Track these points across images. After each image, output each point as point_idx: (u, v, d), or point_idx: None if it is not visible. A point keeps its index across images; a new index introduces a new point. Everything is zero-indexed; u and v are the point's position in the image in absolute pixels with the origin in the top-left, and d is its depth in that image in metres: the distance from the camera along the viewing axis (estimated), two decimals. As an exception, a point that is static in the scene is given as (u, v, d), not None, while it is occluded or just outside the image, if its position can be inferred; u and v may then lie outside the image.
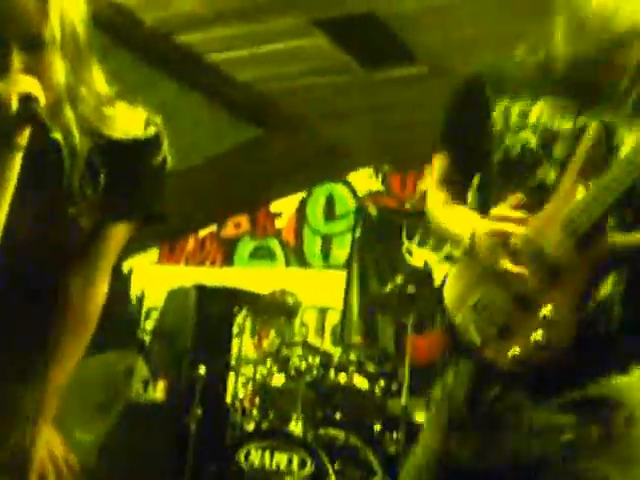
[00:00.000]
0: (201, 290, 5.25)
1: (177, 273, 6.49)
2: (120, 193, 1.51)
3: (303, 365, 3.96)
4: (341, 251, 6.04)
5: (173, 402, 4.63)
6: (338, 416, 3.96)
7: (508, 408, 1.43)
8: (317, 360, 3.98)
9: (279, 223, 6.36)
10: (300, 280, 5.94)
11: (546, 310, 1.35)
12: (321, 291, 5.90)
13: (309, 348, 4.09)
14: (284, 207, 6.35)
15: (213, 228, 6.59)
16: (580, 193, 1.37)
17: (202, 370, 4.43)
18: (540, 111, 1.48)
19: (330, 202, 6.17)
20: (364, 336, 5.23)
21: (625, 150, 1.38)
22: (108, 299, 1.59)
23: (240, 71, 4.50)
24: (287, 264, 6.27)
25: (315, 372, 3.93)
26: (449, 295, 1.54)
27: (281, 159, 5.54)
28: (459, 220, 1.55)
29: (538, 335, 1.34)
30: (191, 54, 4.24)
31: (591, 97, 1.44)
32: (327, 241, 6.14)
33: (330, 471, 3.52)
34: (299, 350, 4.09)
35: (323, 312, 5.89)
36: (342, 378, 3.96)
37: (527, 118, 1.49)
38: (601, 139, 1.39)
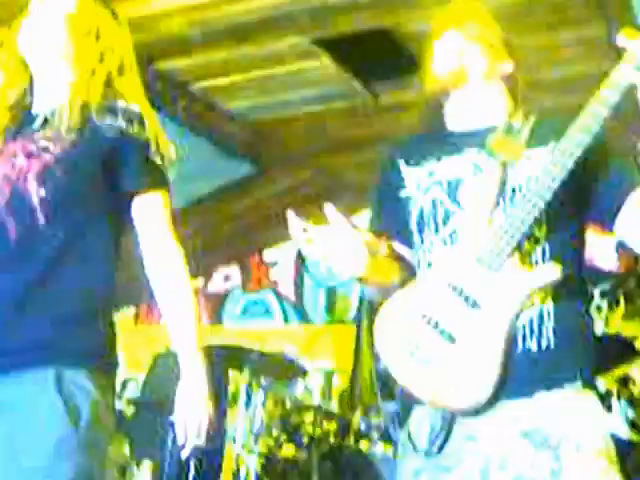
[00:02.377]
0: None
1: (157, 334, 6.43)
2: None
3: (317, 432, 3.92)
4: (347, 304, 6.03)
5: (165, 482, 4.55)
6: (360, 491, 3.90)
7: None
8: (333, 426, 3.94)
9: (275, 274, 6.36)
10: (301, 338, 5.92)
11: None
12: (326, 350, 5.86)
13: (323, 413, 4.05)
14: (281, 255, 6.36)
15: (199, 282, 6.57)
16: (496, 218, 1.68)
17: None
18: (444, 168, 1.85)
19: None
20: (382, 396, 5.19)
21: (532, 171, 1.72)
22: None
23: (231, 100, 4.55)
24: (286, 321, 6.24)
25: (332, 440, 3.89)
26: None
27: (279, 199, 5.56)
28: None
29: None
30: (175, 82, 4.29)
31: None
32: (331, 293, 6.13)
33: None
34: (311, 415, 4.04)
35: (329, 375, 5.84)
36: (364, 445, 3.92)
37: (434, 176, 1.85)
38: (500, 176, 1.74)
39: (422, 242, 1.85)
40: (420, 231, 1.85)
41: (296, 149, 5.08)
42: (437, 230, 1.80)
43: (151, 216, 1.93)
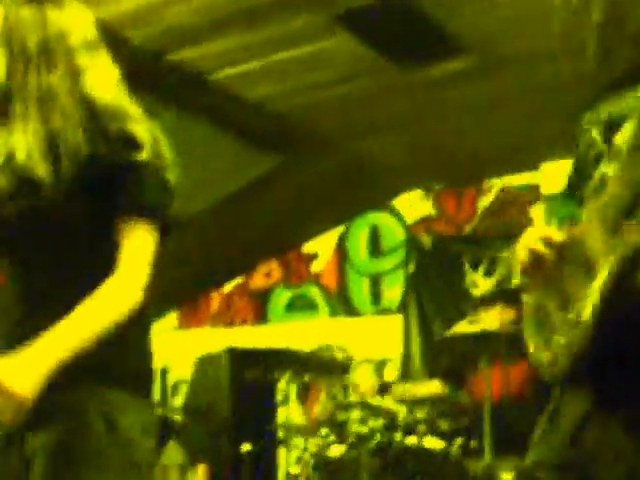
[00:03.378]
0: (234, 354, 5.18)
1: (203, 337, 6.40)
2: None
3: (364, 430, 3.82)
4: (393, 292, 5.92)
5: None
6: (411, 488, 3.79)
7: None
8: (380, 422, 3.84)
9: (316, 266, 6.26)
10: (348, 331, 5.83)
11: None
12: (374, 342, 5.75)
13: (369, 409, 3.95)
14: (320, 246, 6.25)
15: (240, 280, 6.51)
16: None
17: (246, 447, 4.32)
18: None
19: (374, 235, 6.07)
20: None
21: None
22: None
23: (250, 88, 4.42)
24: (331, 314, 6.14)
25: (379, 437, 3.79)
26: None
27: (309, 189, 5.45)
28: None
29: None
30: (189, 73, 4.17)
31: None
32: (376, 282, 6.01)
33: None
34: (357, 412, 3.95)
35: (380, 366, 5.74)
36: (411, 440, 3.82)
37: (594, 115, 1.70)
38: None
39: None
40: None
41: (324, 134, 4.95)
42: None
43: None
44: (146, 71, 3.99)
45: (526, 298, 1.71)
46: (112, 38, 3.92)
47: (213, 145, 4.76)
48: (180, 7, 3.61)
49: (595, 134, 1.67)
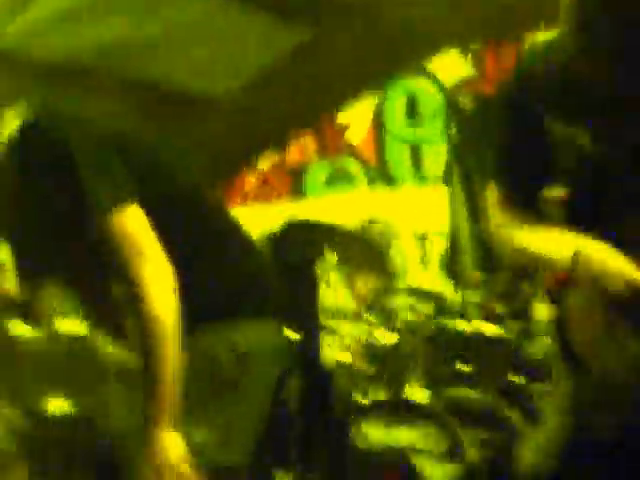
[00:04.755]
0: (272, 236, 5.12)
1: (240, 216, 6.36)
2: None
3: (413, 316, 3.79)
4: (435, 160, 5.78)
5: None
6: (465, 373, 3.79)
7: None
8: (430, 307, 3.80)
9: (353, 137, 6.13)
10: (390, 204, 5.73)
11: None
12: (418, 213, 5.68)
13: (417, 294, 3.91)
14: (356, 117, 6.08)
15: (275, 157, 6.42)
16: None
17: (292, 333, 4.32)
18: None
19: (412, 101, 5.87)
20: (483, 269, 4.99)
21: None
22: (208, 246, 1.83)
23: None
24: (370, 186, 6.05)
25: (429, 322, 3.76)
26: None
27: (342, 58, 5.27)
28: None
29: None
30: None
31: None
32: (416, 151, 5.88)
33: (465, 441, 3.39)
34: (405, 297, 3.91)
35: (424, 238, 5.70)
36: (464, 325, 3.78)
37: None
38: None
39: None
40: None
41: (356, 2, 4.73)
42: None
43: None
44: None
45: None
46: None
47: (242, 22, 4.64)
48: None
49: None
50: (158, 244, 1.73)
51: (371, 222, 5.38)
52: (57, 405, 3.92)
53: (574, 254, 1.53)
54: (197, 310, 1.77)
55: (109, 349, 2.21)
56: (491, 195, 1.76)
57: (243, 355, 1.84)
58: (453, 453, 3.30)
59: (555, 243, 1.61)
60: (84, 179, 1.70)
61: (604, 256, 1.51)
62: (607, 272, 1.49)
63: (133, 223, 1.73)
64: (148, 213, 1.75)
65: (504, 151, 1.74)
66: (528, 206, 1.69)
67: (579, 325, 1.60)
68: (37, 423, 3.69)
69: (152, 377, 1.70)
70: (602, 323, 1.55)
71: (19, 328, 4.16)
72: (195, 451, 1.75)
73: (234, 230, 2.05)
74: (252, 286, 1.93)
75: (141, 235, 1.73)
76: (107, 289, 1.84)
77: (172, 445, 1.71)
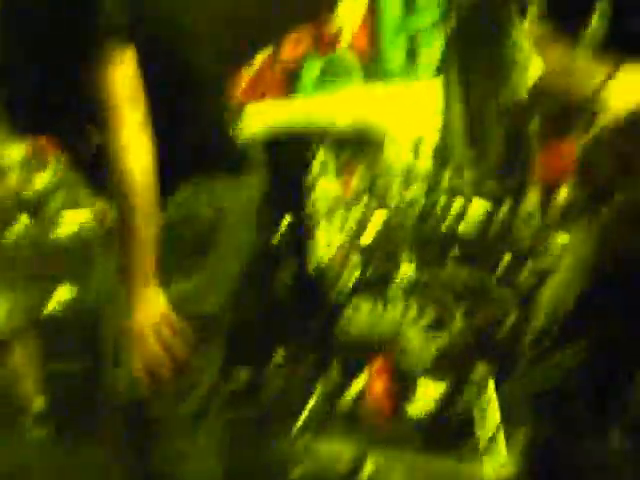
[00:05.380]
0: (267, 135, 5.09)
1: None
2: None
3: (407, 195, 3.83)
4: (432, 52, 5.70)
5: (263, 261, 4.61)
6: (457, 251, 3.84)
7: None
8: (424, 186, 3.83)
9: (348, 30, 6.03)
10: (385, 97, 5.68)
11: None
12: (412, 108, 5.63)
13: (410, 174, 3.94)
14: (351, 9, 5.97)
15: (269, 52, 6.32)
16: None
17: (286, 219, 4.36)
18: None
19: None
20: (474, 154, 4.99)
21: None
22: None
23: None
24: (365, 80, 5.99)
25: (423, 201, 3.79)
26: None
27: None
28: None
29: None
30: None
31: None
32: (412, 41, 5.79)
33: (456, 315, 3.45)
34: (398, 179, 3.94)
35: (418, 130, 5.67)
36: (457, 203, 3.81)
37: None
38: None
39: None
40: None
41: None
42: None
43: None
44: None
45: None
46: None
47: None
48: None
49: None
50: (143, 98, 1.72)
51: (367, 116, 5.36)
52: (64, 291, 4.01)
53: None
54: (177, 165, 1.78)
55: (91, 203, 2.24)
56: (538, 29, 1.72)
57: (220, 209, 1.87)
58: (440, 324, 3.37)
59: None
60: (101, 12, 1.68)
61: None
62: None
63: (124, 70, 1.71)
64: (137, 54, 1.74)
65: None
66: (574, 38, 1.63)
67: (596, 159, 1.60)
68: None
69: (128, 231, 1.72)
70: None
71: (26, 223, 4.22)
72: (174, 303, 1.78)
73: (217, 88, 2.05)
74: (231, 143, 1.99)
75: (129, 86, 1.71)
76: (88, 134, 1.83)
77: (154, 299, 1.74)
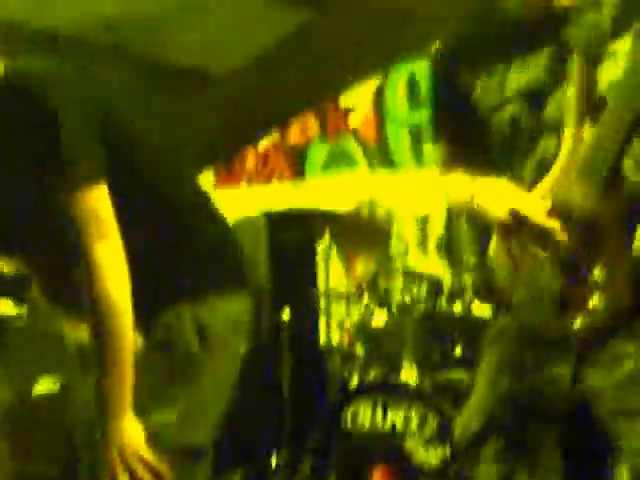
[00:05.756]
0: (272, 217, 5.12)
1: (239, 196, 6.38)
2: None
3: (408, 298, 3.80)
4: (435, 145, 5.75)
5: (257, 357, 4.58)
6: (458, 355, 3.80)
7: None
8: (424, 289, 3.81)
9: (354, 119, 6.11)
10: (389, 186, 5.74)
11: (596, 275, 1.53)
12: (417, 196, 5.67)
13: (412, 276, 3.92)
14: (357, 99, 6.07)
15: (276, 138, 6.40)
16: (587, 133, 1.50)
17: (286, 314, 4.34)
18: (517, 75, 1.61)
19: (413, 84, 5.83)
20: (479, 253, 4.99)
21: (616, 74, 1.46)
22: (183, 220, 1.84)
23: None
24: (370, 168, 6.05)
25: (424, 304, 3.77)
26: (499, 267, 1.76)
27: (345, 39, 5.25)
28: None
29: (595, 301, 1.53)
30: None
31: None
32: (416, 134, 5.86)
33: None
34: (400, 279, 3.92)
35: (423, 222, 5.69)
36: (457, 307, 3.79)
37: (505, 88, 1.64)
38: (586, 71, 1.49)
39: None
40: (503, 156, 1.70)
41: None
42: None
43: None
44: None
45: None
46: None
47: (248, 1, 4.64)
48: None
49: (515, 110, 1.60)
50: (115, 225, 1.71)
51: (371, 204, 5.38)
52: (45, 385, 3.93)
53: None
54: (161, 289, 1.77)
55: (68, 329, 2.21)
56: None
57: (204, 329, 1.82)
58: (442, 435, 3.32)
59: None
60: (67, 146, 1.67)
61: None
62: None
63: (96, 201, 1.70)
64: (112, 187, 1.72)
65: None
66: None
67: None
68: (23, 402, 3.70)
69: (104, 357, 1.69)
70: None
71: (6, 307, 4.15)
72: (157, 433, 1.73)
73: (202, 206, 2.01)
74: (220, 259, 1.91)
75: (101, 215, 1.70)
76: (65, 265, 1.83)
77: (130, 429, 1.69)
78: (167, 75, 5.02)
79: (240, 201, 6.20)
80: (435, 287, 3.86)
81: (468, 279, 3.84)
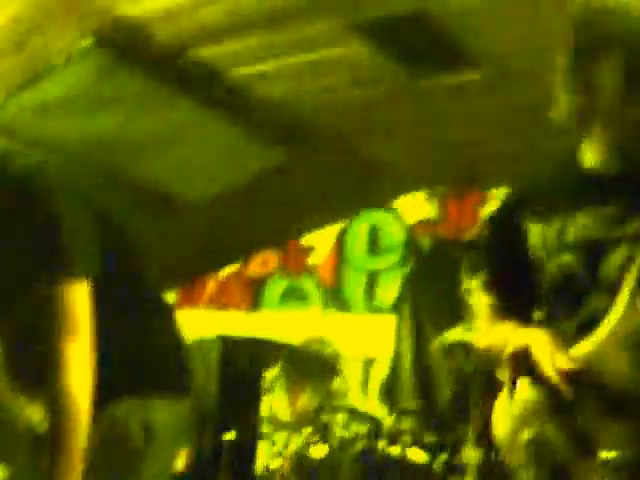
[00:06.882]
0: (226, 342, 5.21)
1: (197, 318, 6.46)
2: None
3: (347, 434, 3.90)
4: (388, 291, 5.97)
5: (197, 474, 4.59)
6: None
7: None
8: (364, 428, 3.92)
9: (314, 259, 6.32)
10: (340, 326, 5.89)
11: (610, 454, 1.41)
12: (365, 339, 5.83)
13: (354, 414, 4.04)
14: (319, 240, 6.31)
15: (237, 267, 6.57)
16: None
17: (230, 436, 4.37)
18: (580, 226, 1.55)
19: (374, 233, 6.12)
20: (419, 398, 5.14)
21: None
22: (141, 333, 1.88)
23: (266, 87, 4.51)
24: (324, 307, 6.22)
25: (362, 443, 3.86)
26: (500, 429, 1.64)
27: (314, 184, 5.52)
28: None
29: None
30: (209, 70, 4.28)
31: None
32: (372, 280, 6.08)
33: None
34: (342, 416, 4.03)
35: (368, 365, 5.82)
36: (395, 450, 3.88)
37: (565, 236, 1.57)
38: None
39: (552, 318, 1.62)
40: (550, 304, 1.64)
41: (330, 134, 5.02)
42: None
43: None
44: (168, 65, 4.12)
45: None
46: (136, 34, 4.06)
47: (225, 138, 4.88)
48: (206, 7, 3.71)
49: (572, 261, 1.53)
50: (90, 323, 1.76)
51: (320, 342, 5.52)
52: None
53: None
54: (116, 383, 1.82)
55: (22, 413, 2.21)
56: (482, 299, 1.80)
57: (152, 430, 1.87)
58: None
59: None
60: (66, 243, 1.75)
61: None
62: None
63: (77, 296, 1.77)
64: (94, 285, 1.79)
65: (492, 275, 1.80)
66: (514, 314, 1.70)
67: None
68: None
69: (57, 449, 1.72)
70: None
71: None
72: None
73: (164, 313, 2.08)
74: (171, 365, 1.98)
75: (78, 312, 1.76)
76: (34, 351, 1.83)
77: None
78: (146, 196, 5.20)
79: (198, 323, 6.30)
80: (375, 427, 3.96)
81: (407, 423, 3.94)
